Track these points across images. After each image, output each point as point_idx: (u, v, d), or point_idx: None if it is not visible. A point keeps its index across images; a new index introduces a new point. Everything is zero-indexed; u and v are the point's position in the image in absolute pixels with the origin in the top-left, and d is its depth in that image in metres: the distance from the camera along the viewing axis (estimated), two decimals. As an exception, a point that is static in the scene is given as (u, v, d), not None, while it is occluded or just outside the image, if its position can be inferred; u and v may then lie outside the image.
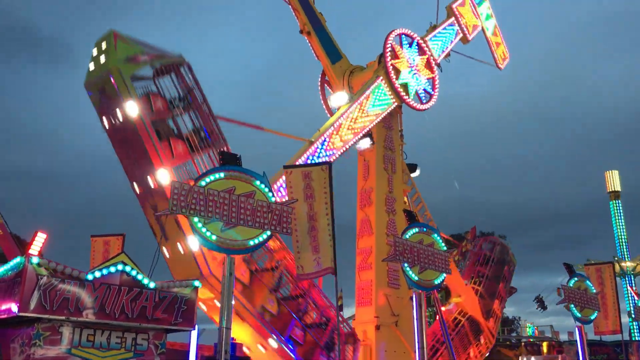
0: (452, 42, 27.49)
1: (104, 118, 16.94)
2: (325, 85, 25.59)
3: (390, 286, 21.79)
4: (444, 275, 18.55)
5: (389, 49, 23.54)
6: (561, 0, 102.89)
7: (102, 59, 16.32)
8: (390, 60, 23.44)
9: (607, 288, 31.39)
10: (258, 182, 13.80)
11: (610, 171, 52.16)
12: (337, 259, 17.78)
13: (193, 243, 15.78)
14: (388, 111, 23.31)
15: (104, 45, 16.25)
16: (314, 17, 23.27)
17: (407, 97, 23.66)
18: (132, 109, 15.84)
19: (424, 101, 24.44)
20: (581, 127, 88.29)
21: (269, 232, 13.61)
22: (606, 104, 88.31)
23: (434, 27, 26.88)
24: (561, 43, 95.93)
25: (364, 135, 22.88)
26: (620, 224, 51.10)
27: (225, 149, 17.62)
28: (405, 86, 23.80)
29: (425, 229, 18.89)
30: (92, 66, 16.66)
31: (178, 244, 16.42)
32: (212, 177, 13.36)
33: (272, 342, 17.38)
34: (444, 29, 27.26)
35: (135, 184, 17.01)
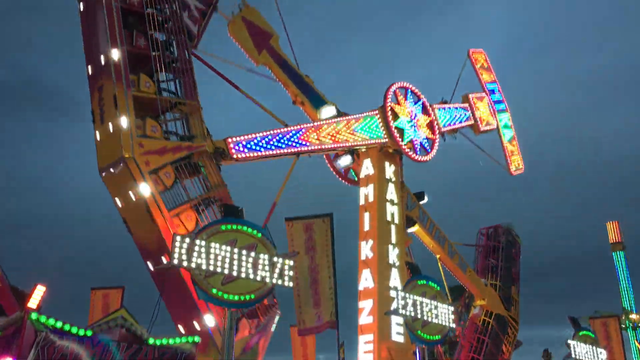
0: (461, 123, 27.38)
1: (81, 3, 17.69)
2: None
3: (393, 340, 21.41)
4: (448, 328, 18.32)
5: (392, 95, 23.80)
6: (560, 54, 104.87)
7: None
8: (391, 103, 23.67)
9: (614, 342, 30.94)
10: (260, 235, 13.80)
11: (611, 222, 51.94)
12: (339, 311, 17.59)
13: (123, 122, 15.88)
14: (375, 143, 23.18)
15: None
16: (303, 85, 23.37)
17: (400, 141, 23.60)
18: None
19: (419, 153, 24.30)
20: (582, 178, 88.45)
21: (270, 285, 13.53)
22: (606, 155, 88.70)
23: (445, 102, 27.07)
24: (561, 96, 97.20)
25: (346, 152, 22.82)
26: (625, 275, 50.56)
27: (190, 79, 17.76)
28: (401, 131, 23.84)
29: (428, 282, 18.76)
30: None
31: (110, 123, 16.35)
32: (213, 230, 13.38)
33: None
34: (456, 108, 27.33)
35: (89, 67, 17.31)
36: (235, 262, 13.03)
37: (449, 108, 27.06)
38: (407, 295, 17.08)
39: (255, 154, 19.08)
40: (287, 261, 13.73)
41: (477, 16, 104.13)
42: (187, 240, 12.72)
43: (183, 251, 12.56)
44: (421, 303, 17.29)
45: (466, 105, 28.13)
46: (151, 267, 16.78)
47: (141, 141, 15.92)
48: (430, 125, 25.18)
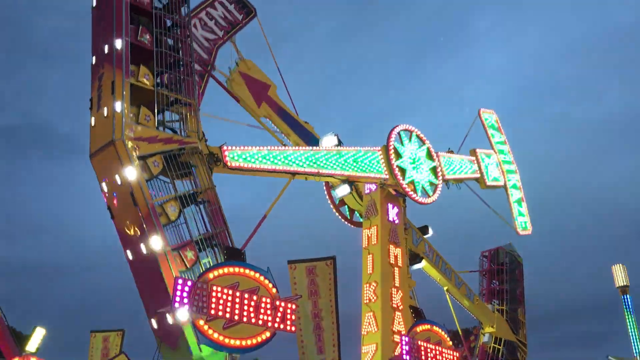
0: (467, 174, 27.12)
1: (94, 1, 17.88)
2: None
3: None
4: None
5: (395, 135, 23.69)
6: (562, 102, 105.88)
7: None
8: (394, 143, 23.60)
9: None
10: (262, 278, 13.70)
11: (617, 265, 51.54)
12: (342, 355, 17.31)
13: (118, 106, 15.76)
14: (375, 178, 22.98)
15: None
16: (304, 133, 23.15)
17: (402, 179, 23.34)
18: None
19: (420, 195, 23.98)
20: (586, 223, 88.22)
21: (272, 330, 13.36)
22: (612, 198, 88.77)
23: (451, 152, 26.92)
24: (564, 142, 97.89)
25: (343, 181, 22.60)
26: (631, 319, 49.84)
27: (190, 78, 17.55)
28: (402, 170, 23.61)
29: (432, 326, 18.53)
30: None
31: (105, 108, 16.17)
32: (216, 273, 13.29)
33: None
34: (462, 160, 27.12)
35: (94, 57, 17.32)
36: (237, 306, 12.88)
37: (455, 158, 26.82)
38: (412, 340, 16.84)
39: (249, 166, 18.71)
40: (289, 305, 13.59)
41: (481, 64, 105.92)
42: (189, 283, 12.63)
43: (184, 294, 12.45)
44: (426, 348, 17.03)
45: (473, 158, 27.84)
46: (130, 256, 16.31)
47: (133, 126, 15.89)
48: (434, 171, 24.94)
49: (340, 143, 22.89)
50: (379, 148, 23.58)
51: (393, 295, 22.41)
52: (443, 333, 18.77)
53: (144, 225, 15.11)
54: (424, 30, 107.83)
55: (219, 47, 20.79)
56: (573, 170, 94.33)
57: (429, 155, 24.91)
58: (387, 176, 23.20)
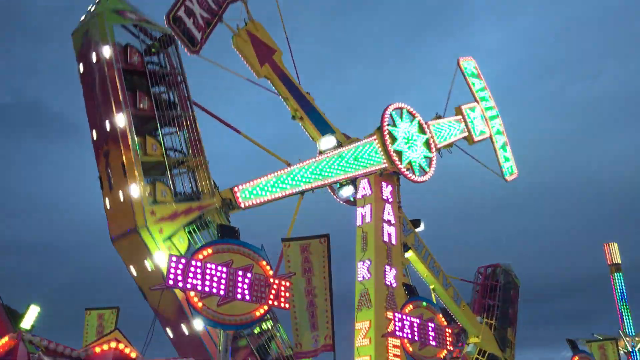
0: (456, 136, 27.71)
1: (81, 64, 17.25)
2: None
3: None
4: (446, 351, 18.17)
5: (388, 117, 23.91)
6: (559, 80, 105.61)
7: (93, 8, 17.14)
8: (388, 126, 23.76)
9: (612, 365, 30.66)
10: (256, 256, 13.70)
11: (609, 243, 51.84)
12: (335, 333, 17.37)
13: (134, 190, 15.50)
14: (376, 170, 23.28)
15: None
16: (303, 100, 23.50)
17: (399, 163, 23.66)
18: (106, 52, 16.22)
19: (418, 174, 24.34)
20: (579, 201, 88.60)
21: (266, 307, 13.41)
22: (604, 178, 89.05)
23: (439, 117, 27.27)
24: (560, 120, 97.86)
25: (347, 182, 22.89)
26: (623, 297, 50.35)
27: (195, 135, 17.45)
28: (399, 153, 23.89)
29: (425, 303, 18.65)
30: (83, 17, 17.43)
31: (120, 192, 15.92)
32: (209, 250, 13.28)
33: None
34: (450, 122, 27.60)
35: (94, 131, 16.90)
36: (231, 284, 12.90)
37: (444, 123, 27.23)
38: (405, 317, 16.96)
39: (262, 199, 19.17)
40: (283, 282, 13.62)
41: (477, 42, 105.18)
42: (183, 261, 12.62)
43: (179, 272, 12.45)
44: (419, 325, 17.16)
45: (459, 117, 28.30)
46: (170, 334, 16.43)
47: (153, 209, 15.60)
48: (427, 144, 25.27)
49: (338, 142, 23.05)
50: (375, 135, 23.60)
51: (387, 273, 22.57)
52: (437, 310, 18.88)
53: (182, 308, 14.94)
54: (421, 8, 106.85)
55: (229, 3, 20.80)
56: (568, 147, 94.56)
57: (421, 129, 25.18)
58: (386, 164, 23.43)
